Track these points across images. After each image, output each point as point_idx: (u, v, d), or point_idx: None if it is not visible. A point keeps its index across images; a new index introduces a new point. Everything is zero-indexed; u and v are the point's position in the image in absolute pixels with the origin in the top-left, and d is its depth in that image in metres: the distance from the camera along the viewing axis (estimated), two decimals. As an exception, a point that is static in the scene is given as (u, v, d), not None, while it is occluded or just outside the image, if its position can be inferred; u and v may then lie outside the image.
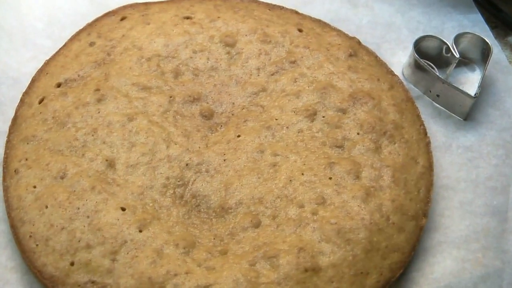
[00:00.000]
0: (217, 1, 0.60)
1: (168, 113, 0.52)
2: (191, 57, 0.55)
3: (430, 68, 0.56)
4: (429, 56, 0.59)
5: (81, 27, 0.58)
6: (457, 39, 0.57)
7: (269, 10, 0.60)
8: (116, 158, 0.50)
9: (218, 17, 0.58)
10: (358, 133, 0.52)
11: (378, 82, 0.55)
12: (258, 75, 0.55)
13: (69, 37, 0.58)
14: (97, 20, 0.58)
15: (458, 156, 0.54)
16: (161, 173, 0.49)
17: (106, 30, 0.57)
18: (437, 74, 0.56)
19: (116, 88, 0.53)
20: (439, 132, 0.55)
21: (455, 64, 0.57)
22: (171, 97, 0.53)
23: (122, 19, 0.58)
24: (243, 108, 0.53)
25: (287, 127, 0.52)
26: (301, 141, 0.51)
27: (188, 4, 0.59)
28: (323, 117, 0.53)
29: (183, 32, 0.56)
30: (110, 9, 0.59)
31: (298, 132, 0.52)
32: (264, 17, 0.58)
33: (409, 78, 0.58)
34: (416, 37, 0.58)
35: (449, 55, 0.57)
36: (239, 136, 0.52)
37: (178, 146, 0.51)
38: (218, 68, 0.55)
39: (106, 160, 0.49)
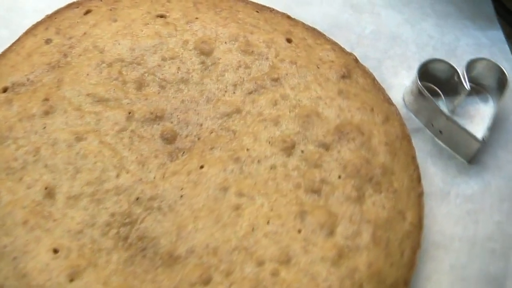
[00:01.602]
0: (199, -3, 0.52)
1: (123, 133, 0.45)
2: (159, 65, 0.48)
3: (434, 98, 0.49)
4: (437, 80, 0.50)
5: (40, 19, 0.51)
6: (470, 65, 0.49)
7: (257, 12, 0.52)
8: (57, 186, 0.43)
9: (196, 18, 0.50)
10: (339, 176, 0.44)
11: (371, 113, 0.47)
12: (234, 93, 0.47)
13: (29, 26, 0.51)
14: (58, 12, 0.51)
15: (456, 207, 0.47)
16: (106, 207, 0.43)
17: (66, 25, 0.49)
18: (441, 108, 0.48)
19: (68, 98, 0.46)
20: (437, 175, 0.48)
21: (464, 96, 0.49)
22: (130, 113, 0.46)
23: (87, 12, 0.51)
24: (212, 132, 0.46)
25: (258, 161, 0.45)
26: (272, 179, 0.44)
27: (165, -1, 0.51)
28: (302, 152, 0.45)
29: (154, 34, 0.49)
30: (76, -1, 0.52)
31: (271, 169, 0.45)
32: (249, 21, 0.50)
33: (410, 106, 0.50)
34: (424, 57, 0.50)
35: (458, 82, 0.49)
36: (202, 167, 0.45)
37: (130, 175, 0.44)
38: (189, 80, 0.48)
39: (46, 188, 0.43)
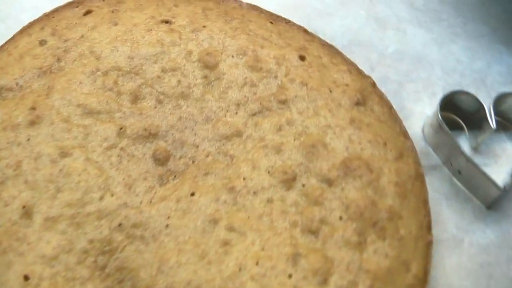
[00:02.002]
0: (209, 3, 0.48)
1: (112, 150, 0.42)
2: (158, 77, 0.44)
3: (457, 131, 0.44)
4: (462, 112, 0.46)
5: (38, 17, 0.47)
6: (499, 99, 0.44)
7: (271, 23, 0.47)
8: (36, 206, 0.40)
9: (204, 27, 0.46)
10: (341, 218, 0.41)
11: (384, 147, 0.43)
12: (236, 113, 0.44)
13: (26, 22, 0.47)
14: (56, 10, 0.47)
15: (469, 258, 0.43)
16: (85, 232, 0.40)
17: (63, 26, 0.46)
18: (462, 144, 0.44)
19: (56, 108, 0.43)
20: (451, 220, 0.43)
21: (489, 134, 0.44)
22: (121, 128, 0.42)
23: (87, 13, 0.47)
24: (208, 156, 0.43)
25: (254, 192, 0.41)
26: (267, 215, 0.41)
27: (172, 3, 0.48)
28: (303, 186, 0.42)
29: (156, 41, 0.45)
30: (77, -3, 0.48)
31: (267, 202, 0.41)
32: (261, 33, 0.46)
33: (429, 139, 0.46)
34: (450, 84, 0.45)
35: (484, 118, 0.44)
36: (193, 194, 0.41)
37: (114, 198, 0.41)
38: (190, 95, 0.44)
39: (23, 207, 0.40)
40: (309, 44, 0.47)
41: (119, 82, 0.44)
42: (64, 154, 0.41)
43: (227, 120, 0.43)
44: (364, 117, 0.44)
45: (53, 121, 0.42)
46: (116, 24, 0.46)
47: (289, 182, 0.42)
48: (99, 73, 0.44)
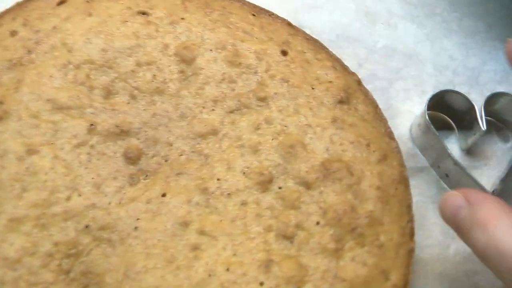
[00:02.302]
0: (190, -6, 0.46)
1: (82, 147, 0.40)
2: (132, 71, 0.42)
3: (446, 131, 0.42)
4: (452, 111, 0.43)
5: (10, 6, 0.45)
6: (490, 100, 0.42)
7: (253, 15, 0.45)
8: (0, 205, 0.39)
9: (182, 19, 0.44)
10: (318, 223, 0.39)
11: (366, 148, 0.41)
12: (213, 110, 0.42)
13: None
14: (29, 0, 0.45)
15: (453, 266, 0.41)
16: (50, 234, 0.38)
17: (35, 17, 0.44)
18: (451, 145, 0.41)
19: (25, 103, 0.41)
20: (436, 226, 0.41)
21: (479, 135, 0.41)
22: (92, 124, 0.41)
23: (61, 2, 0.45)
24: (182, 155, 0.41)
25: (228, 194, 0.39)
26: (241, 218, 0.39)
27: (151, -7, 0.45)
28: (280, 188, 0.40)
29: (131, 33, 0.43)
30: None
31: (241, 205, 0.39)
32: (242, 26, 0.44)
33: (416, 140, 0.44)
34: (441, 82, 0.43)
35: (475, 119, 0.42)
36: (164, 195, 0.40)
37: (82, 198, 0.39)
38: (165, 91, 0.42)
39: (-14, 206, 0.38)
40: (292, 38, 0.44)
41: (91, 76, 0.42)
42: (31, 151, 0.40)
43: (203, 118, 0.41)
44: (347, 116, 0.42)
45: (21, 116, 0.41)
46: (90, 15, 0.44)
47: (265, 184, 0.40)
48: (71, 66, 0.42)
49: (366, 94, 0.43)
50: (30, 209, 0.39)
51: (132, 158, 0.40)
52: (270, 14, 0.46)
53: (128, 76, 0.42)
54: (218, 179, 0.40)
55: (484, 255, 0.33)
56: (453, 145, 0.43)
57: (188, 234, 0.38)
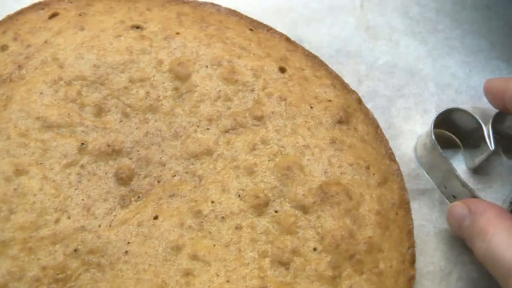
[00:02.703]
0: (185, 7, 0.44)
1: (72, 168, 0.39)
2: (125, 88, 0.41)
3: (453, 150, 0.41)
4: (458, 129, 0.42)
5: (1, 19, 0.44)
6: (498, 117, 0.40)
7: (250, 30, 0.44)
8: (-15, 227, 0.37)
9: (177, 33, 0.43)
10: (315, 249, 0.37)
11: (366, 171, 0.39)
12: (208, 129, 0.40)
13: (-10, 24, 0.44)
14: (21, 12, 0.44)
15: (455, 294, 0.39)
16: (38, 258, 0.37)
17: (26, 30, 0.43)
18: (458, 164, 0.40)
19: (14, 121, 0.40)
20: (440, 251, 0.40)
21: (487, 155, 0.40)
22: (83, 144, 0.39)
23: (53, 15, 0.44)
24: (175, 175, 0.39)
25: (222, 217, 0.38)
26: (235, 243, 0.38)
27: (144, 6, 0.44)
28: (276, 212, 0.38)
29: (124, 49, 0.42)
30: (42, -3, 0.45)
31: (235, 229, 0.38)
32: (239, 42, 0.43)
33: (421, 161, 0.42)
34: (444, 101, 0.42)
35: (482, 138, 0.41)
36: (156, 218, 0.38)
37: (71, 221, 0.38)
38: (158, 108, 0.41)
39: (-28, 229, 0.37)
40: (291, 55, 0.43)
41: (82, 92, 0.41)
42: (19, 172, 0.38)
43: (197, 137, 0.40)
44: (346, 137, 0.40)
45: (10, 135, 0.39)
46: (82, 29, 0.42)
47: (260, 207, 0.38)
48: (61, 82, 0.41)
49: (367, 114, 0.42)
50: (17, 232, 0.37)
51: (123, 179, 0.39)
52: (268, 28, 0.44)
53: (120, 93, 0.41)
54: (212, 202, 0.39)
55: (484, 262, 0.35)
56: (459, 164, 0.42)
57: (180, 259, 0.37)
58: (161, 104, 0.41)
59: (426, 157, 0.42)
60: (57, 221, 0.38)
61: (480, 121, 0.40)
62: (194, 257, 0.37)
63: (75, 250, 0.37)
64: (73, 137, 0.40)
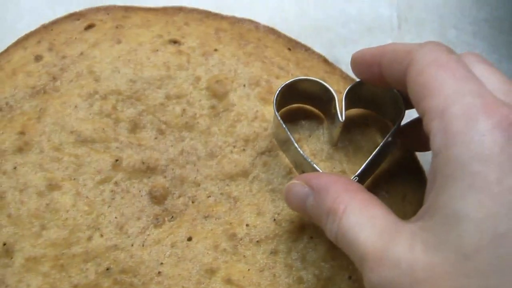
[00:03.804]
0: (223, 23, 0.44)
1: (106, 184, 0.38)
2: (161, 104, 0.40)
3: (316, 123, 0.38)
4: (319, 101, 0.40)
5: (35, 29, 0.43)
6: (355, 88, 0.38)
7: (289, 50, 0.43)
8: (17, 243, 0.37)
9: (215, 50, 0.42)
10: (350, 277, 0.37)
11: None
12: (244, 150, 0.40)
13: (22, 32, 0.43)
14: (55, 22, 0.43)
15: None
16: (69, 276, 0.36)
17: (62, 41, 0.42)
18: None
19: (47, 134, 0.39)
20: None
21: (339, 130, 0.38)
22: (117, 160, 0.39)
23: (89, 27, 0.43)
24: (210, 196, 0.39)
25: (257, 241, 0.38)
26: (270, 268, 0.37)
27: (182, 21, 0.43)
28: (311, 238, 0.38)
29: (162, 64, 0.41)
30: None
31: (270, 253, 0.38)
32: (278, 62, 0.42)
33: (275, 137, 0.40)
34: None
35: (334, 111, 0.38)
36: (190, 239, 0.38)
37: (104, 239, 0.37)
38: (194, 126, 0.40)
39: (4, 244, 0.37)
40: (328, 77, 0.42)
41: (118, 107, 0.40)
42: (52, 186, 0.38)
43: (233, 158, 0.40)
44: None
45: (43, 148, 0.39)
46: (119, 42, 0.42)
47: (296, 232, 0.38)
48: (97, 96, 0.40)
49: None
50: (49, 249, 0.37)
51: (157, 198, 0.39)
52: (306, 48, 0.44)
53: (156, 109, 0.40)
54: (247, 225, 0.38)
55: (338, 244, 0.31)
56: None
57: (214, 283, 0.37)
58: (198, 122, 0.40)
59: (275, 130, 0.39)
60: (89, 238, 0.37)
61: (332, 91, 0.38)
62: (228, 281, 0.37)
63: (107, 269, 0.37)
64: (107, 153, 0.39)
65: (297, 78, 0.38)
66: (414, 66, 0.31)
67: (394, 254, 0.28)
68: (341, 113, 0.37)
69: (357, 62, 0.36)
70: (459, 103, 0.28)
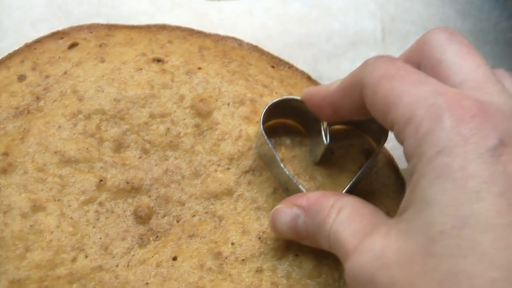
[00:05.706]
0: (207, 41, 0.44)
1: (90, 205, 0.38)
2: (145, 123, 0.40)
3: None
4: (305, 119, 0.40)
5: (18, 48, 0.43)
6: None
7: (272, 67, 0.43)
8: (1, 265, 0.37)
9: (199, 68, 0.42)
10: (335, 295, 0.37)
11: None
12: (228, 169, 0.40)
13: (5, 51, 0.43)
14: (39, 41, 0.43)
15: None
16: (53, 299, 0.36)
17: (45, 60, 0.42)
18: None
19: (31, 155, 0.39)
20: None
21: (323, 151, 0.39)
22: (101, 180, 0.39)
23: (72, 45, 0.43)
24: (194, 215, 0.39)
25: (243, 260, 0.38)
26: (256, 286, 0.37)
27: (166, 39, 0.43)
28: (296, 255, 0.38)
29: (145, 82, 0.41)
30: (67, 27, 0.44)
31: (256, 272, 0.38)
32: (261, 79, 0.42)
33: (259, 154, 0.40)
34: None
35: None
36: (175, 258, 0.38)
37: (88, 260, 0.37)
38: (178, 145, 0.40)
39: (-13, 266, 0.37)
40: (312, 94, 0.42)
41: (102, 127, 0.40)
42: (36, 208, 0.38)
43: (217, 177, 0.40)
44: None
45: (27, 169, 0.39)
46: (103, 61, 0.42)
47: (281, 250, 0.38)
48: (81, 116, 0.40)
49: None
50: (33, 270, 0.37)
51: (142, 217, 0.39)
52: (290, 66, 0.44)
53: (140, 129, 0.40)
54: (232, 243, 0.38)
55: (330, 247, 0.33)
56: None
57: (199, 303, 0.37)
58: (182, 141, 0.40)
59: (259, 149, 0.40)
60: (74, 259, 0.37)
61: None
62: (214, 301, 0.37)
63: (92, 291, 0.37)
64: (91, 173, 0.39)
65: (285, 97, 0.39)
66: (367, 89, 0.32)
67: (370, 243, 0.30)
68: (326, 135, 0.37)
69: (309, 105, 0.37)
70: (422, 106, 0.29)
